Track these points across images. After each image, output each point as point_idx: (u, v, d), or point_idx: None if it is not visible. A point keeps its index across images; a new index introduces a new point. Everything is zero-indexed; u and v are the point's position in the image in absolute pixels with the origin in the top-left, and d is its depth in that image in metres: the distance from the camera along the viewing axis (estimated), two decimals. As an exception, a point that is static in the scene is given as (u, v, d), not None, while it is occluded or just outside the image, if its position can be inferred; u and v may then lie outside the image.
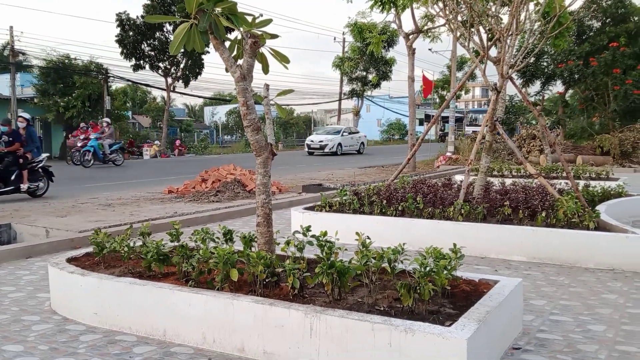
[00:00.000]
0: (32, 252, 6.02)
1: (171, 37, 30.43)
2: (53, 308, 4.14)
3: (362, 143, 35.04)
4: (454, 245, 3.44)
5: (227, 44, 3.82)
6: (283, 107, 4.75)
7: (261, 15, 3.73)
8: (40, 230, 7.09)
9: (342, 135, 33.76)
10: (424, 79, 22.75)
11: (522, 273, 5.12)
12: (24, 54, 32.25)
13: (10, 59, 31.00)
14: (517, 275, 4.98)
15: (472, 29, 7.20)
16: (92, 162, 21.82)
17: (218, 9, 3.56)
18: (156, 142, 36.23)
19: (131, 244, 4.19)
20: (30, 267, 5.52)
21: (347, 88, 45.79)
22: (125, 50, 32.82)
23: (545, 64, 25.55)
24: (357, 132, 36.86)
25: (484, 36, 7.22)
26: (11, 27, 29.99)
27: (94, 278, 3.83)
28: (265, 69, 3.99)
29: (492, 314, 3.00)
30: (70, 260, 4.30)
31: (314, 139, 33.70)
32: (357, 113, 46.79)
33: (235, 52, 3.88)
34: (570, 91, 26.70)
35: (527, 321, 3.79)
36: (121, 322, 3.66)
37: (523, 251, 5.64)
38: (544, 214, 5.83)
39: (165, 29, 33.30)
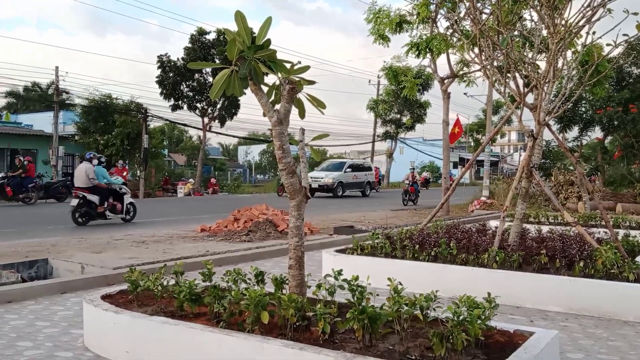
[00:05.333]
0: (67, 288, 6.13)
1: (209, 79, 31.24)
2: (86, 345, 4.18)
3: (369, 182, 30.83)
4: (488, 294, 3.38)
5: (265, 89, 3.92)
6: (316, 148, 4.82)
7: (299, 62, 3.84)
8: (76, 266, 7.22)
9: (344, 171, 29.65)
10: (457, 123, 22.70)
11: (558, 324, 4.97)
12: (67, 92, 33.47)
13: (55, 97, 32.19)
14: (554, 326, 4.84)
15: (508, 75, 7.22)
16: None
17: (258, 56, 3.67)
18: (190, 180, 36.82)
19: (164, 283, 4.23)
20: (65, 303, 5.61)
21: (380, 130, 46.04)
22: (164, 91, 33.79)
23: (583, 109, 25.27)
24: (366, 167, 32.36)
25: (520, 82, 7.23)
26: (57, 67, 31.24)
27: (126, 316, 3.87)
28: (302, 114, 4.07)
29: (527, 368, 2.92)
30: (104, 298, 4.36)
31: (314, 175, 28.91)
32: (390, 155, 46.86)
33: (272, 97, 3.97)
34: (610, 137, 26.27)
35: (565, 376, 3.66)
36: (152, 361, 3.67)
37: (560, 302, 5.48)
38: (581, 263, 5.68)
39: (204, 71, 34.22)
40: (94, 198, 13.48)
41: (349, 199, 28.08)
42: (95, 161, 14.08)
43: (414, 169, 24.80)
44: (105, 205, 13.66)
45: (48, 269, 7.48)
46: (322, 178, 28.67)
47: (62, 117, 33.51)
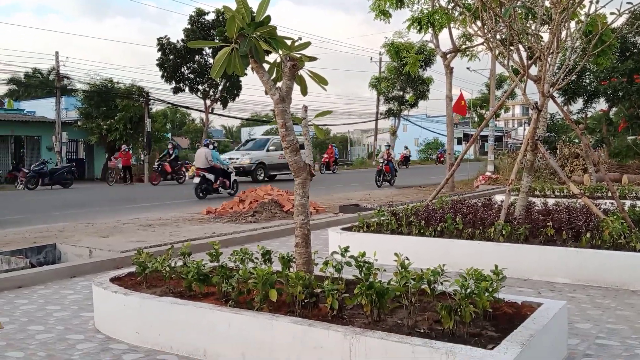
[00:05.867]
0: (76, 272, 6.17)
1: (210, 61, 31.07)
2: (97, 327, 4.22)
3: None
4: (495, 266, 3.38)
5: (267, 67, 3.89)
6: (320, 127, 4.79)
7: (300, 38, 3.80)
8: (84, 250, 7.26)
9: (267, 150, 25.08)
10: (461, 98, 22.52)
11: (566, 296, 4.98)
12: (68, 78, 33.34)
13: (56, 83, 32.11)
14: (561, 297, 4.85)
15: (511, 47, 7.14)
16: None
17: (258, 34, 3.64)
18: (194, 163, 36.81)
19: (172, 264, 4.26)
20: (74, 287, 5.65)
21: (383, 108, 45.82)
22: (165, 74, 33.63)
23: (587, 81, 25.05)
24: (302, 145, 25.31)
25: (524, 54, 7.15)
26: (57, 53, 31.11)
27: (136, 297, 3.90)
28: (304, 91, 4.04)
29: (535, 338, 2.93)
30: (113, 280, 4.39)
31: (230, 155, 25.01)
32: (393, 133, 46.71)
33: (274, 75, 3.94)
34: (614, 109, 26.07)
35: (572, 345, 3.68)
36: (162, 341, 3.71)
37: (567, 273, 5.49)
38: (588, 235, 5.68)
39: (204, 53, 34.00)
40: (211, 176, 16.26)
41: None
42: (211, 146, 17.18)
43: (389, 146, 23.49)
44: (218, 182, 16.41)
45: (56, 254, 7.53)
46: (237, 159, 24.15)
47: (64, 103, 33.46)
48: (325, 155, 35.55)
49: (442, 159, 47.98)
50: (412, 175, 29.05)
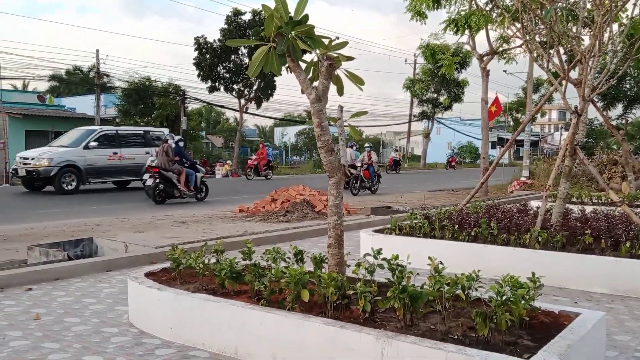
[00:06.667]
0: (111, 266, 6.28)
1: (246, 60, 31.31)
2: (131, 321, 4.28)
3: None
4: (533, 273, 3.30)
5: (303, 66, 3.88)
6: (355, 128, 4.77)
7: (337, 38, 3.78)
8: (119, 245, 7.39)
9: (85, 146, 17.85)
10: (495, 101, 22.15)
11: (604, 306, 4.85)
12: (108, 76, 34.06)
13: (96, 80, 32.82)
14: (599, 308, 4.72)
15: (551, 51, 6.99)
16: None
17: (295, 33, 3.64)
18: (228, 161, 37.18)
19: (205, 261, 4.29)
20: (110, 280, 5.75)
21: (417, 110, 45.50)
22: (202, 73, 34.07)
23: (627, 86, 24.44)
24: (151, 138, 19.52)
25: (564, 57, 7.00)
26: (97, 51, 31.82)
27: (170, 293, 3.94)
28: (340, 91, 4.03)
29: (573, 349, 2.85)
30: (148, 275, 4.45)
31: (23, 155, 18.39)
32: (427, 135, 46.35)
33: (311, 74, 3.94)
34: (656, 115, 25.35)
35: (610, 357, 3.58)
36: (195, 337, 3.74)
37: (605, 283, 5.34)
38: (628, 244, 5.51)
39: (240, 52, 34.33)
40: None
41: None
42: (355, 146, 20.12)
43: (371, 147, 20.80)
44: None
45: (93, 247, 7.68)
46: (31, 159, 17.46)
47: (104, 100, 34.22)
48: (255, 157, 28.66)
49: (453, 163, 46.74)
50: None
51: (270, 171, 28.46)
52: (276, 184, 17.24)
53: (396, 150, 43.93)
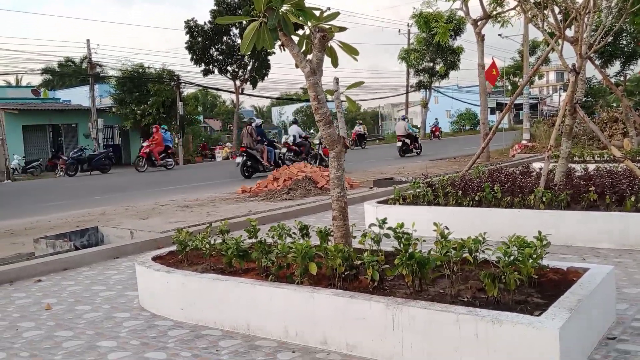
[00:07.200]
0: (118, 253, 6.30)
1: (238, 41, 31.22)
2: (142, 305, 4.31)
3: None
4: (539, 232, 3.30)
5: (296, 39, 3.84)
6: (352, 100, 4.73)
7: (329, 9, 3.73)
8: (125, 232, 7.41)
9: None
10: (493, 66, 21.96)
11: (612, 261, 4.86)
12: (100, 66, 33.85)
13: (89, 71, 32.61)
14: (607, 263, 4.73)
15: (546, 10, 6.91)
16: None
17: (286, 6, 3.58)
18: (227, 144, 37.13)
19: (211, 242, 4.30)
20: (118, 267, 5.77)
21: (414, 80, 45.21)
22: (194, 56, 33.85)
23: (624, 42, 24.21)
24: None
25: (559, 16, 6.91)
26: (88, 41, 31.57)
27: (179, 275, 3.95)
28: (335, 62, 3.98)
29: (584, 303, 2.86)
30: (155, 259, 4.46)
31: None
32: (425, 105, 46.11)
33: (304, 48, 3.89)
34: (654, 69, 25.17)
35: (621, 310, 3.59)
36: (206, 317, 3.76)
37: (612, 238, 5.35)
38: (632, 198, 5.50)
39: (232, 33, 34.04)
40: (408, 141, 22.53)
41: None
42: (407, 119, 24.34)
43: (295, 121, 19.62)
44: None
45: (99, 236, 7.70)
46: None
47: (98, 90, 34.04)
48: (146, 143, 23.70)
49: (437, 132, 43.24)
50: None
51: (170, 159, 24.20)
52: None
53: (360, 124, 38.22)
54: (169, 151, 24.20)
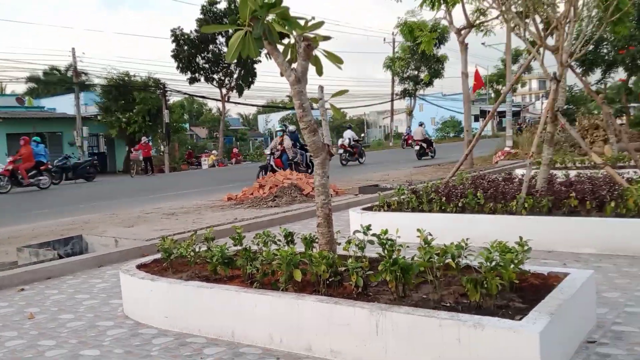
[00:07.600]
0: (103, 261, 6.27)
1: (224, 49, 31.27)
2: (126, 313, 4.29)
3: None
4: (520, 237, 3.35)
5: (281, 48, 3.87)
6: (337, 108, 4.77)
7: (313, 18, 3.77)
8: (109, 240, 7.37)
9: None
10: (477, 74, 22.29)
11: (592, 265, 4.93)
12: (86, 74, 33.66)
13: (74, 79, 32.41)
14: (588, 268, 4.80)
15: (527, 20, 7.02)
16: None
17: (271, 15, 3.62)
18: (213, 151, 37.04)
19: (196, 249, 4.30)
20: (102, 276, 5.74)
21: (399, 88, 45.52)
22: (180, 65, 33.81)
23: (605, 51, 24.57)
24: None
25: (540, 25, 7.02)
26: (73, 49, 31.45)
27: (163, 283, 3.95)
28: (319, 71, 4.02)
29: (564, 307, 2.91)
30: (140, 267, 4.45)
31: None
32: (409, 113, 46.40)
33: (289, 56, 3.93)
34: (633, 78, 25.58)
35: (601, 314, 3.65)
36: (191, 324, 3.76)
37: (592, 243, 5.43)
38: (612, 204, 5.59)
39: (218, 42, 34.05)
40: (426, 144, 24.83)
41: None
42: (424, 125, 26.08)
43: (284, 129, 18.45)
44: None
45: (83, 245, 7.66)
46: None
47: (83, 98, 33.85)
48: (10, 159, 20.09)
49: (410, 141, 33.31)
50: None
51: (43, 177, 20.21)
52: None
53: (349, 127, 31.89)
54: (41, 168, 20.10)
